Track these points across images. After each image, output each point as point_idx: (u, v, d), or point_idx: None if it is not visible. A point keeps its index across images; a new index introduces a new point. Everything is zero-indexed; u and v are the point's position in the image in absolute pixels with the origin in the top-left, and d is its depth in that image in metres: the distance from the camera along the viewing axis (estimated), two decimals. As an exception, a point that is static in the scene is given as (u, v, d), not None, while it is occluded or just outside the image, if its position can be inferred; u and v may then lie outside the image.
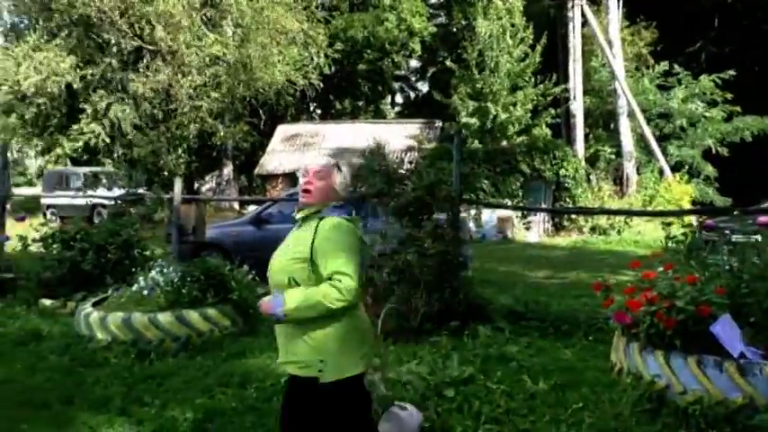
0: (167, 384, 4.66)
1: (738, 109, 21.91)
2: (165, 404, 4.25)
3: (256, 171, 25.51)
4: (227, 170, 28.14)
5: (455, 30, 35.14)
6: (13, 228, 8.79)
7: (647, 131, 21.61)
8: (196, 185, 26.43)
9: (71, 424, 4.01)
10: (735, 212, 9.02)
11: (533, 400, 4.17)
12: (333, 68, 27.73)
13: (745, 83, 22.23)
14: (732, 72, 21.92)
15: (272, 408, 4.18)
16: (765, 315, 3.97)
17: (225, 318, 5.90)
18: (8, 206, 8.77)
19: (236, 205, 24.67)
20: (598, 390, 4.25)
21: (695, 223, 5.91)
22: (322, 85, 26.55)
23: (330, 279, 2.42)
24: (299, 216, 2.66)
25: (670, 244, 4.80)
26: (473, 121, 20.62)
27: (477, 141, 20.31)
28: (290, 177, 23.60)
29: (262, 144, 27.44)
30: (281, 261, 2.60)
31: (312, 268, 2.49)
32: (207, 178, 28.24)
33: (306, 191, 2.63)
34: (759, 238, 4.69)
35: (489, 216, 17.09)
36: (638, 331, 4.20)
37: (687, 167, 21.75)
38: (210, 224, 9.46)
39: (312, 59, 25.64)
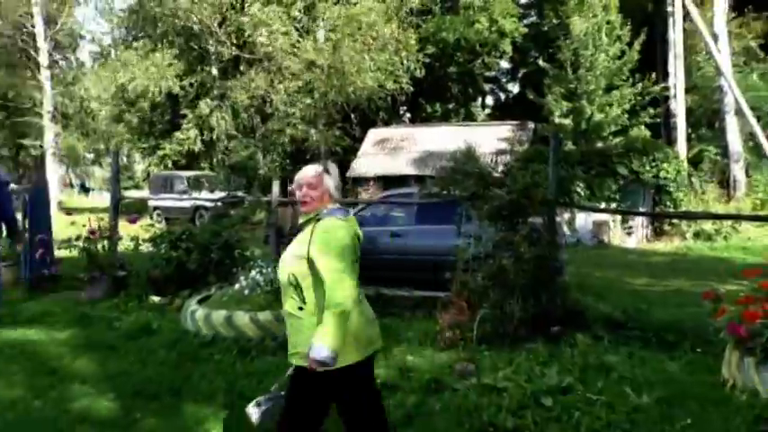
0: (267, 382, 4.80)
1: None
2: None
3: (348, 174, 25.93)
4: (320, 174, 28.70)
5: (547, 29, 34.42)
6: (124, 228, 9.36)
7: (758, 130, 20.24)
8: (290, 188, 27.18)
9: (179, 415, 4.21)
10: None
11: (636, 413, 3.99)
12: (423, 72, 27.80)
13: None
14: None
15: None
16: None
17: (322, 318, 6.02)
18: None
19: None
20: (707, 406, 4.02)
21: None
22: (412, 88, 26.67)
23: (328, 283, 2.64)
24: (300, 221, 2.93)
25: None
26: (567, 121, 20.07)
27: (570, 143, 19.76)
28: (382, 180, 23.84)
29: (354, 148, 27.89)
30: (284, 260, 2.88)
31: (309, 266, 2.73)
32: (300, 181, 28.94)
33: (304, 203, 2.92)
34: None
35: (584, 220, 16.57)
36: (754, 345, 3.95)
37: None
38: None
39: (403, 63, 25.81)
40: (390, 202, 9.64)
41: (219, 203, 10.29)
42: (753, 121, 20.17)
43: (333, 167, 3.08)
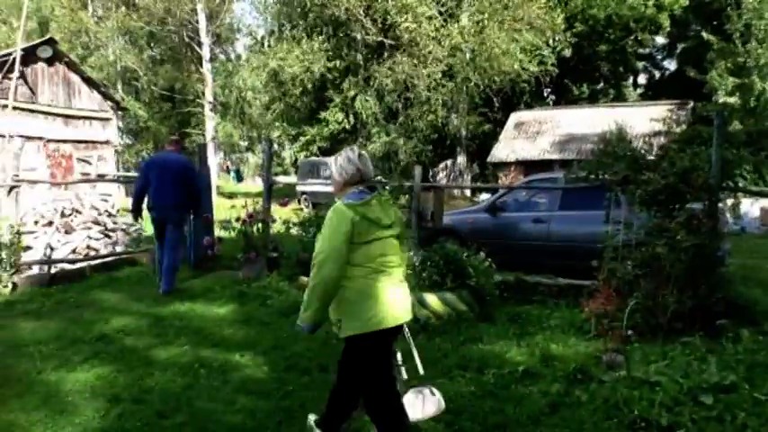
0: (409, 363, 4.90)
1: None
2: (408, 381, 4.48)
3: (489, 159, 25.63)
4: (461, 158, 28.69)
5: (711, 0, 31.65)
6: (276, 212, 9.92)
7: None
8: (430, 173, 27.39)
9: (326, 389, 4.41)
10: None
11: (813, 419, 3.62)
12: (570, 52, 26.70)
13: None
14: None
15: (509, 395, 4.21)
16: None
17: (462, 303, 6.05)
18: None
19: (468, 193, 25.06)
20: None
21: None
22: (557, 70, 25.73)
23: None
24: None
25: None
26: (732, 99, 18.38)
27: (737, 122, 18.09)
28: (523, 165, 23.33)
29: (494, 132, 27.49)
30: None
31: None
32: (440, 166, 29.09)
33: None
34: None
35: (750, 206, 15.14)
36: None
37: None
38: (448, 211, 9.74)
39: (549, 44, 24.97)
40: (534, 187, 9.41)
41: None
42: None
43: (341, 156, 3.25)
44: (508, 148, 24.95)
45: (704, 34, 20.45)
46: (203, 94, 29.90)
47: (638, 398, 3.88)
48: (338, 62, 26.16)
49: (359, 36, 26.61)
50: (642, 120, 21.27)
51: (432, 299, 5.90)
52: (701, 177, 5.76)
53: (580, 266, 6.28)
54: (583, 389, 4.21)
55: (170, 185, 7.28)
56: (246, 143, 42.28)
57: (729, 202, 6.80)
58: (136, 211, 7.75)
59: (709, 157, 5.98)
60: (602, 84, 35.17)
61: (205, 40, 28.96)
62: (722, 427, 3.53)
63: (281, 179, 21.49)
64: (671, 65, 37.65)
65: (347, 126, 26.65)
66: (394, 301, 3.13)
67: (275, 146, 35.12)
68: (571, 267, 7.16)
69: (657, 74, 39.27)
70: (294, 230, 8.76)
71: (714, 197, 5.79)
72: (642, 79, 40.10)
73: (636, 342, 5.02)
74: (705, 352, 4.67)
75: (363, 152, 3.28)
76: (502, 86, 25.00)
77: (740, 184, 13.73)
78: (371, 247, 3.08)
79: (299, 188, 22.73)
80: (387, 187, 10.22)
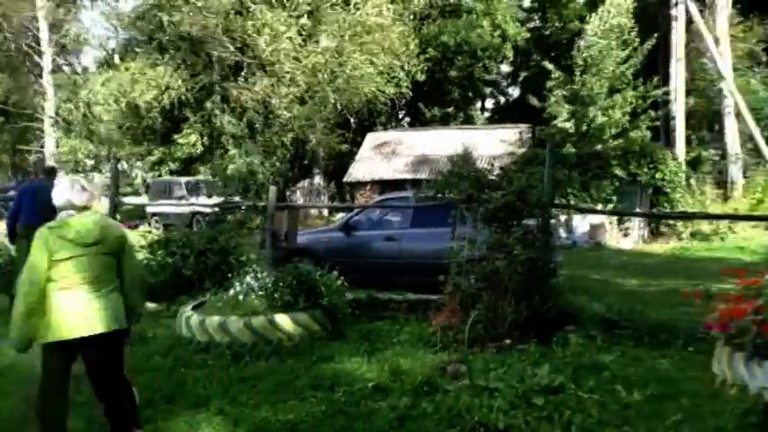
0: (261, 386, 4.82)
1: None
2: (259, 405, 4.40)
3: (345, 179, 25.97)
4: (318, 178, 28.83)
5: (549, 33, 34.50)
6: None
7: (756, 133, 20.31)
8: (287, 193, 27.24)
9: (173, 421, 4.22)
10: None
11: (628, 410, 4.01)
12: (424, 76, 27.85)
13: None
14: None
15: (359, 411, 4.25)
16: None
17: (315, 322, 6.05)
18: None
19: (326, 212, 25.21)
20: (698, 401, 4.05)
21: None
22: (412, 93, 26.71)
23: None
24: None
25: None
26: (569, 125, 20.10)
27: (571, 146, 19.79)
28: (379, 185, 23.86)
29: (351, 152, 27.95)
30: None
31: None
32: (298, 186, 29.06)
33: None
34: None
35: (580, 222, 16.59)
36: (743, 341, 3.97)
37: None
38: (303, 231, 9.73)
39: (404, 68, 25.88)
40: (385, 207, 9.68)
41: (216, 209, 10.31)
42: (752, 123, 20.23)
43: (66, 184, 3.62)
44: (365, 167, 25.44)
45: (547, 64, 22.08)
46: (43, 108, 27.68)
47: (478, 405, 4.09)
48: (194, 81, 25.38)
49: (216, 54, 26.02)
50: (488, 142, 22.65)
51: (284, 320, 5.86)
52: (535, 195, 6.24)
53: (430, 282, 6.52)
54: (429, 400, 4.36)
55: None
56: (92, 161, 39.59)
57: (563, 218, 7.38)
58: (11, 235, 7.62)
59: (542, 177, 6.49)
60: (452, 107, 36.99)
61: (47, 49, 26.89)
62: (551, 426, 3.80)
63: (131, 200, 20.35)
64: (515, 92, 40.47)
65: (203, 146, 25.84)
66: (78, 314, 3.37)
67: (124, 165, 33.25)
68: (422, 283, 7.41)
69: (503, 99, 42.03)
70: (141, 254, 8.32)
71: (547, 214, 6.28)
72: (489, 104, 42.70)
73: (478, 352, 5.30)
74: (539, 357, 5.04)
75: (81, 181, 3.64)
76: (359, 108, 25.52)
77: (572, 202, 15.09)
78: (68, 264, 3.38)
79: (150, 209, 21.66)
80: (242, 207, 10.03)
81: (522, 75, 37.98)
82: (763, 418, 3.61)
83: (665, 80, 23.05)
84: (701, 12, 22.55)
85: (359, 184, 25.16)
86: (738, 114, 20.70)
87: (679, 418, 3.81)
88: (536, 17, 37.13)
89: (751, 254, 13.64)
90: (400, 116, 36.52)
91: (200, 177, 23.46)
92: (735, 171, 20.63)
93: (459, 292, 5.85)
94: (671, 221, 17.40)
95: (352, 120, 26.84)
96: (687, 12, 22.50)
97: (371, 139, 27.20)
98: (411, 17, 26.56)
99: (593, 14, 21.19)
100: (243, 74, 25.53)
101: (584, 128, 20.09)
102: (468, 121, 36.22)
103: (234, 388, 4.77)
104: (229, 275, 6.95)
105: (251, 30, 23.44)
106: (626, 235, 17.22)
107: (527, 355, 5.10)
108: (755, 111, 21.21)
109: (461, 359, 5.03)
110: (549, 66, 21.63)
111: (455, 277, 6.03)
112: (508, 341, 5.45)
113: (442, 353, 5.45)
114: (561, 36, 32.06)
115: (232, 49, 24.49)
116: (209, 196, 18.01)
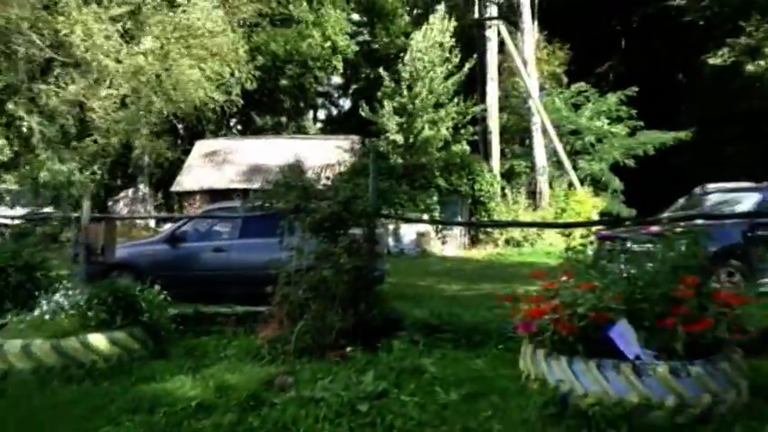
0: (71, 413, 4.44)
1: (641, 123, 23.22)
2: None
3: (173, 188, 24.83)
4: (143, 187, 27.26)
5: (378, 47, 35.68)
6: None
7: (559, 147, 22.55)
8: (110, 203, 25.43)
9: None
10: (627, 223, 9.54)
11: (445, 410, 4.23)
12: (254, 84, 27.45)
13: (647, 100, 23.61)
14: (635, 89, 23.22)
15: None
16: (658, 319, 4.20)
17: (134, 341, 5.69)
18: None
19: (153, 223, 23.90)
20: (507, 397, 4.36)
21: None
22: (242, 100, 26.22)
23: None
24: None
25: (570, 254, 5.01)
26: (399, 137, 20.92)
27: (400, 157, 20.61)
28: (209, 194, 23.13)
29: (180, 160, 26.78)
30: None
31: None
32: (121, 195, 27.26)
33: None
34: (651, 246, 4.97)
35: (408, 230, 17.31)
36: (543, 339, 4.36)
37: (596, 181, 22.82)
38: (125, 243, 9.15)
39: (233, 75, 25.29)
40: (212, 217, 9.41)
41: (21, 220, 9.35)
42: (555, 138, 22.44)
43: None
44: (194, 176, 24.53)
45: (382, 71, 22.72)
46: None
47: (304, 416, 4.10)
48: (-3, 81, 22.80)
49: (22, 50, 23.56)
50: (319, 152, 22.88)
51: (98, 339, 5.44)
52: (361, 205, 6.41)
53: (260, 293, 6.43)
54: (255, 415, 4.28)
55: None
56: None
57: (391, 227, 7.65)
58: None
59: (368, 187, 6.68)
60: (285, 116, 36.90)
61: None
62: (374, 430, 3.91)
63: None
64: (346, 103, 41.33)
65: (12, 152, 23.25)
66: None
67: None
68: (252, 294, 7.28)
69: (335, 110, 42.75)
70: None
71: (372, 223, 6.48)
72: (322, 114, 43.22)
73: (306, 362, 5.31)
74: (365, 364, 5.16)
75: None
76: (188, 114, 24.52)
77: (400, 211, 15.65)
78: None
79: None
80: (51, 219, 9.22)
81: (353, 87, 38.90)
82: (561, 409, 4.00)
83: (483, 97, 24.85)
84: (511, 35, 24.63)
85: (188, 194, 24.19)
86: (545, 130, 22.87)
87: (490, 414, 4.10)
88: (365, 31, 38.24)
89: (556, 258, 15.10)
90: (231, 124, 35.69)
91: (4, 186, 21.12)
92: (542, 182, 22.74)
93: (288, 302, 5.83)
94: (488, 229, 18.78)
95: (180, 126, 25.71)
96: (499, 34, 24.46)
97: (201, 146, 26.31)
98: (240, 24, 26.04)
99: (417, 31, 22.36)
100: (55, 74, 23.41)
101: (412, 140, 21.03)
102: (301, 130, 36.37)
103: (39, 417, 4.35)
104: (36, 294, 6.32)
105: (62, 26, 21.58)
106: (444, 242, 18.26)
107: (353, 362, 5.20)
108: (559, 127, 23.57)
109: (289, 371, 5.01)
110: (384, 73, 22.37)
111: (283, 288, 6.00)
112: (335, 350, 5.53)
113: (269, 365, 5.39)
114: (389, 50, 33.31)
115: (41, 45, 22.37)
116: (13, 207, 16.29)
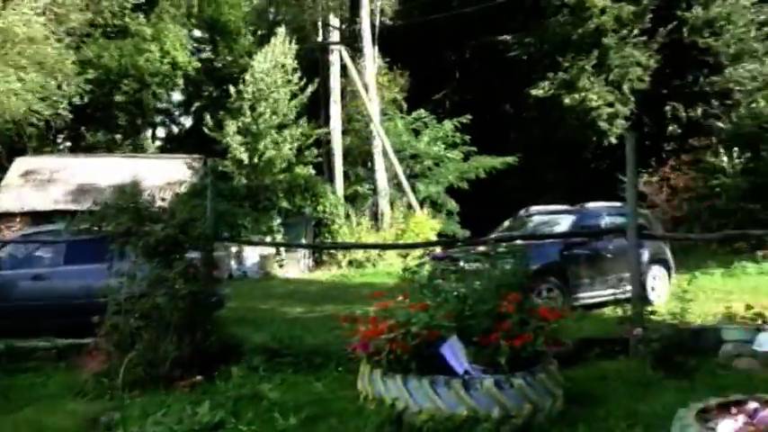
0: None
1: (474, 149, 24.80)
2: None
3: (-12, 210, 22.37)
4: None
5: (221, 65, 34.86)
6: None
7: (399, 170, 23.39)
8: None
9: None
10: (459, 243, 10.14)
11: (283, 436, 4.20)
12: (85, 98, 25.59)
13: (479, 128, 25.27)
14: (469, 116, 24.78)
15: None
16: (484, 334, 4.48)
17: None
18: None
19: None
20: (346, 419, 4.40)
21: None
22: (71, 115, 24.32)
23: None
24: None
25: (406, 274, 5.21)
26: (244, 156, 20.57)
27: (244, 178, 20.21)
28: (32, 216, 21.14)
29: (-2, 179, 24.21)
30: None
31: None
32: None
33: None
34: (480, 265, 5.32)
35: (251, 253, 17.02)
36: (380, 359, 4.48)
37: (434, 203, 23.94)
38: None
39: (60, 87, 23.39)
40: (32, 241, 8.62)
41: None
42: (395, 162, 23.27)
43: None
44: (13, 197, 22.28)
45: (227, 91, 22.19)
46: None
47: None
48: None
49: None
50: (157, 172, 21.78)
51: None
52: (199, 228, 6.21)
53: (86, 324, 5.96)
54: (75, 457, 3.97)
55: None
56: None
57: (234, 249, 7.48)
58: None
59: (206, 208, 6.49)
60: (120, 134, 34.77)
61: None
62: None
63: None
64: (188, 121, 39.81)
65: None
66: None
67: None
68: (76, 326, 6.74)
69: (176, 128, 40.99)
70: None
71: (209, 246, 6.29)
72: (161, 132, 41.27)
73: (137, 396, 5.00)
74: (201, 394, 4.97)
75: None
76: (5, 128, 22.25)
77: (243, 234, 15.36)
78: None
79: None
80: None
81: (196, 104, 37.66)
82: (397, 427, 4.12)
83: (327, 120, 25.20)
84: (354, 60, 25.28)
85: (6, 216, 21.89)
86: (386, 154, 23.61)
87: (328, 437, 4.13)
88: (207, 48, 37.30)
89: (395, 278, 15.61)
90: (59, 140, 32.98)
91: None
92: (384, 205, 23.42)
93: (117, 332, 5.48)
94: (332, 251, 18.97)
95: (-3, 142, 23.31)
96: (342, 59, 25.01)
97: (21, 164, 23.98)
98: (68, 33, 24.23)
99: (260, 51, 22.27)
100: None
101: (257, 160, 20.77)
102: (138, 149, 34.44)
103: None
104: None
105: None
106: (281, 265, 18.13)
107: (189, 393, 4.99)
108: (399, 152, 24.47)
109: (117, 406, 4.69)
110: (229, 91, 21.94)
111: (112, 317, 5.63)
112: (174, 381, 5.27)
113: (95, 402, 5.01)
114: (232, 69, 32.71)
115: None
116: None
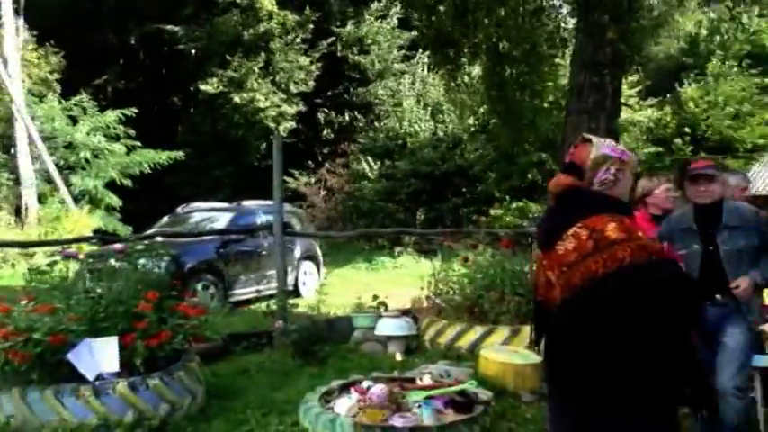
0: None
1: (139, 143, 23.44)
2: None
3: None
4: None
5: None
6: None
7: (49, 161, 20.87)
8: None
9: None
10: (94, 240, 9.58)
11: None
12: None
13: (144, 119, 24.06)
14: (135, 109, 23.34)
15: None
16: (121, 335, 4.27)
17: None
18: None
19: None
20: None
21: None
22: None
23: None
24: None
25: (33, 275, 4.71)
26: None
27: None
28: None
29: None
30: None
31: None
32: None
33: None
34: (116, 263, 5.05)
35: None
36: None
37: (91, 198, 21.94)
38: None
39: None
40: None
41: None
42: (44, 151, 20.72)
43: None
44: None
45: None
46: None
47: None
48: None
49: None
50: None
51: None
52: None
53: None
54: None
55: None
56: None
57: None
58: None
59: None
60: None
61: None
62: None
63: None
64: None
65: None
66: None
67: None
68: None
69: None
70: None
71: None
72: None
73: None
74: None
75: None
76: None
77: None
78: None
79: None
80: None
81: None
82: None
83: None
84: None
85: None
86: (33, 140, 20.76)
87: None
88: None
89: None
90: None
91: None
92: (30, 197, 20.64)
93: None
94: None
95: None
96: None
97: None
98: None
99: None
100: None
101: None
102: None
103: None
104: None
105: None
106: None
107: None
108: (51, 139, 21.78)
109: None
110: None
111: None
112: None
113: None
114: None
115: None
116: None
